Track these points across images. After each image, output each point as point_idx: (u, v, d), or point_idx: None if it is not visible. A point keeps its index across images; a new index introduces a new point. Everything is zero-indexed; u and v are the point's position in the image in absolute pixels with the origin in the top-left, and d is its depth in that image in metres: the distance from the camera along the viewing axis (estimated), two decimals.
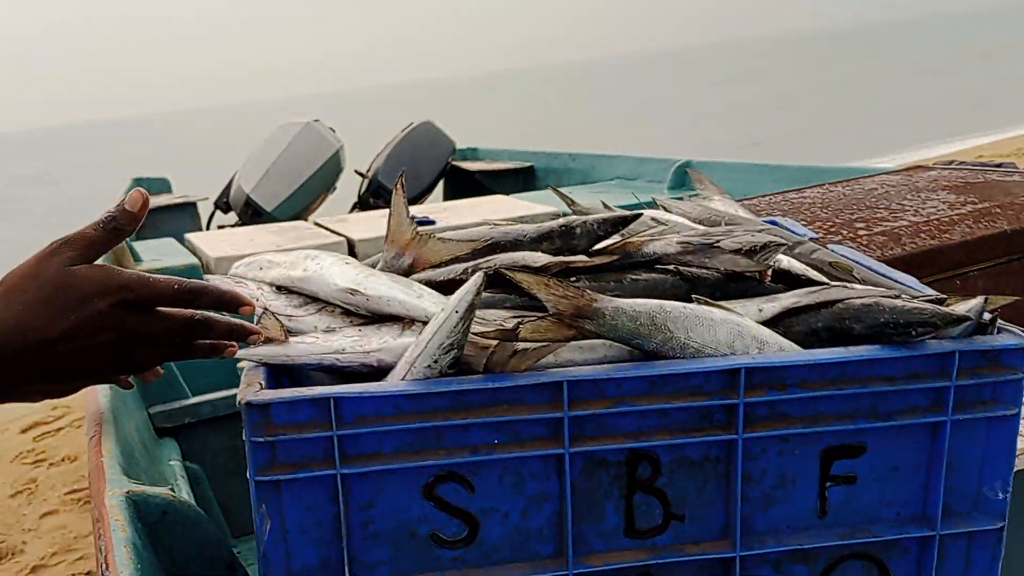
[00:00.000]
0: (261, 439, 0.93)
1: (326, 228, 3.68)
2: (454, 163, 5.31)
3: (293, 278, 1.16)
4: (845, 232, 1.86)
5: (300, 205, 4.82)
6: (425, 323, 1.02)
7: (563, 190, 4.64)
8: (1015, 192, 2.10)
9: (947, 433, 1.00)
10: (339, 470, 0.94)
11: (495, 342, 0.95)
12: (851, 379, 0.98)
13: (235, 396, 2.33)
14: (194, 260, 3.26)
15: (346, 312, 1.12)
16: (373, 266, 1.19)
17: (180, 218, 4.73)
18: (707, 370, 0.96)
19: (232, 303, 0.99)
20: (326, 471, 0.94)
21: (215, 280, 1.12)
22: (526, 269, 0.94)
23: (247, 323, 1.02)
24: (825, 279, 1.11)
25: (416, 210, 4.13)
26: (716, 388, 0.97)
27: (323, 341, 1.01)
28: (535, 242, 1.12)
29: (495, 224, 1.20)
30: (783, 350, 0.99)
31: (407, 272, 1.14)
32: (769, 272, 1.11)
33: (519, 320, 0.92)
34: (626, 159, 4.59)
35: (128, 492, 1.15)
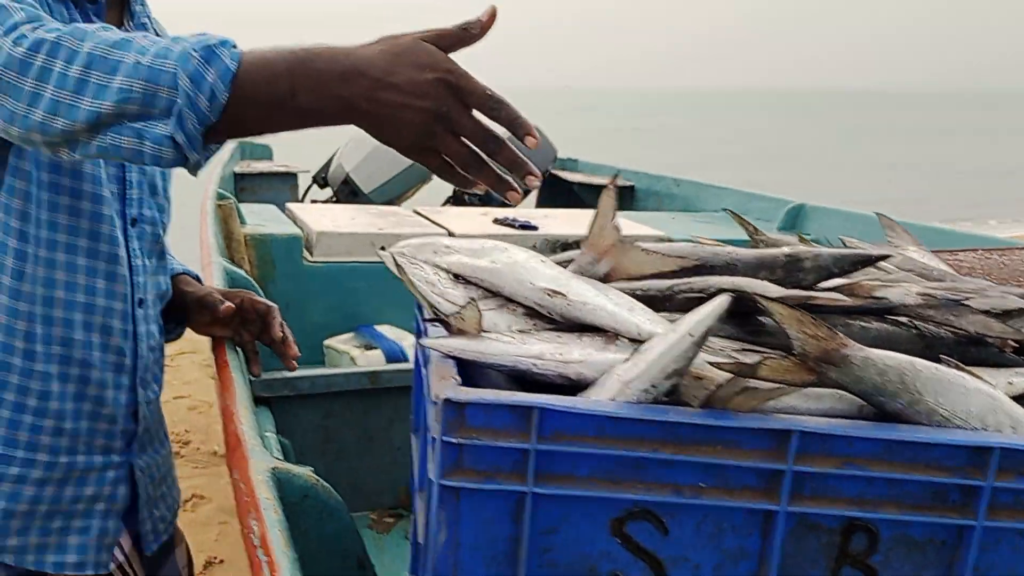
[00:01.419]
0: (454, 440, 0.83)
1: (426, 218, 3.62)
2: (553, 172, 5.22)
3: (477, 268, 1.07)
4: None
5: (396, 191, 4.76)
6: (632, 340, 0.92)
7: (664, 214, 4.53)
8: None
9: None
10: (531, 488, 0.85)
11: (719, 374, 0.85)
12: None
13: (333, 375, 2.26)
14: (296, 230, 3.21)
15: (530, 313, 1.03)
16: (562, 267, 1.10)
17: (280, 187, 4.72)
18: (955, 444, 0.84)
19: (521, 128, 0.94)
20: (515, 486, 0.85)
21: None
22: (766, 299, 0.84)
23: (527, 163, 0.97)
24: None
25: (516, 213, 4.05)
26: (960, 465, 0.85)
27: (520, 343, 0.92)
28: (752, 269, 1.02)
29: (700, 242, 1.09)
30: None
31: (602, 280, 1.04)
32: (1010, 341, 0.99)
33: (765, 356, 0.81)
34: (734, 192, 4.45)
35: (274, 469, 1.07)
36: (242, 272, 2.33)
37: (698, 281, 0.99)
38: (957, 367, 0.89)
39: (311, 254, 3.19)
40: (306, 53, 0.90)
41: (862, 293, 0.99)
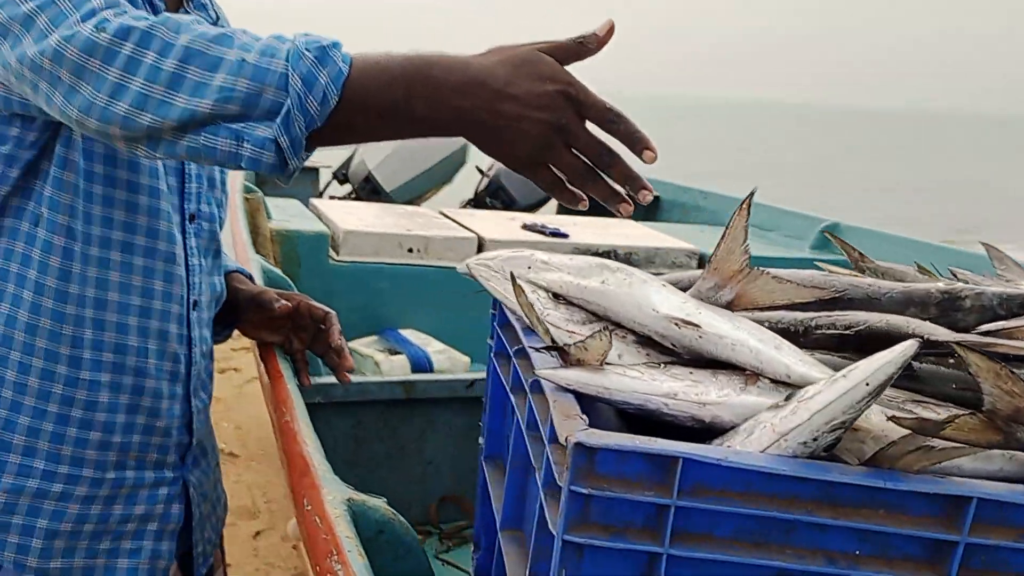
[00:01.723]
0: (583, 490, 0.72)
1: (453, 220, 3.51)
2: None
3: (584, 288, 0.96)
4: None
5: (417, 191, 4.66)
6: (776, 381, 0.81)
7: (691, 227, 4.42)
8: None
9: None
10: (666, 549, 0.74)
11: (890, 428, 0.74)
12: None
13: (367, 383, 2.15)
14: (323, 228, 3.10)
15: (641, 342, 0.93)
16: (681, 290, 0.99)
17: (302, 181, 4.60)
18: None
19: (639, 143, 0.88)
20: (648, 546, 0.74)
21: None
22: (962, 346, 0.73)
23: (640, 177, 0.91)
24: None
25: (538, 218, 3.94)
26: None
27: (649, 378, 0.81)
28: (899, 304, 0.91)
29: (830, 271, 0.99)
30: None
31: (725, 308, 0.93)
32: None
33: (954, 415, 0.71)
34: (764, 208, 4.33)
35: (349, 500, 0.96)
36: (279, 271, 2.22)
37: (841, 317, 0.89)
38: None
39: (337, 253, 3.08)
40: (422, 60, 0.87)
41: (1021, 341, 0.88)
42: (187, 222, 1.14)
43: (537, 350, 0.91)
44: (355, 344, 2.98)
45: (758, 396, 0.80)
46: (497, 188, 4.79)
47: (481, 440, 1.24)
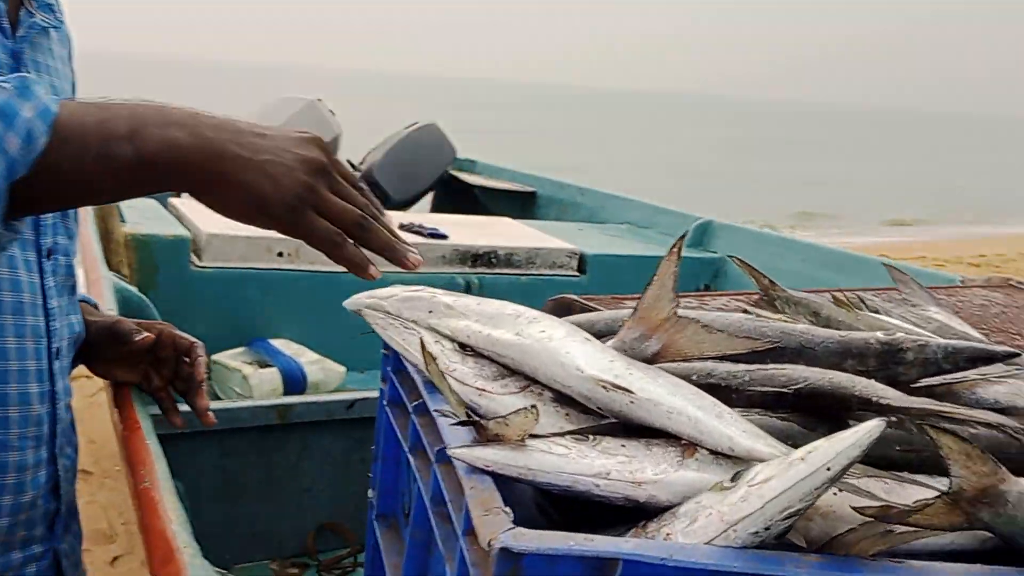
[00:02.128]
0: None
1: None
2: (451, 172, 4.99)
3: (497, 341, 0.85)
4: None
5: None
6: (715, 452, 0.72)
7: (568, 225, 4.38)
8: None
9: None
10: None
11: (845, 511, 0.67)
12: None
13: (236, 409, 1.98)
14: (183, 231, 2.88)
15: (561, 400, 0.82)
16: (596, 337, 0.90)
17: None
18: None
19: (396, 254, 0.87)
20: None
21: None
22: (935, 428, 0.65)
23: (398, 248, 0.88)
24: None
25: (415, 218, 3.81)
26: None
27: (577, 455, 0.71)
28: (836, 356, 0.84)
29: (759, 315, 0.91)
30: None
31: (650, 361, 0.84)
32: None
33: (922, 502, 0.63)
34: (641, 205, 4.34)
35: None
36: (135, 291, 2.01)
37: (779, 372, 0.81)
38: None
39: (200, 259, 2.86)
40: (153, 104, 0.78)
41: (961, 390, 0.83)
42: (44, 259, 0.97)
43: (443, 414, 0.80)
44: (222, 357, 2.77)
45: (698, 471, 0.71)
46: (371, 184, 4.61)
47: (371, 494, 1.11)
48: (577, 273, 3.54)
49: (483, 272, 3.35)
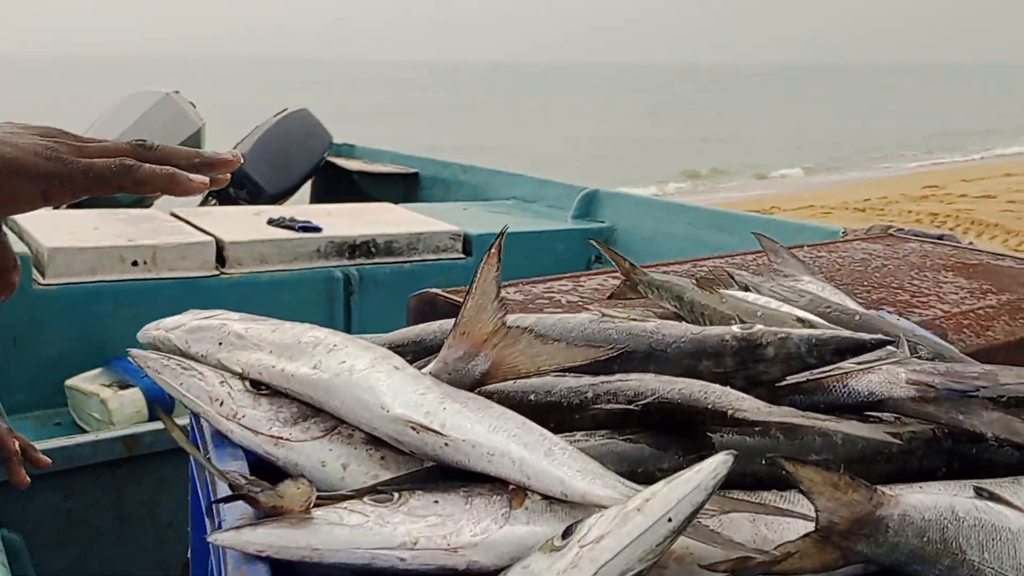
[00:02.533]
0: None
1: (187, 222, 3.10)
2: (328, 159, 4.77)
3: (292, 377, 0.70)
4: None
5: None
6: (548, 497, 0.60)
7: (453, 205, 4.25)
8: None
9: None
10: None
11: (690, 545, 0.55)
12: None
13: (76, 446, 1.78)
14: (21, 247, 2.61)
15: (373, 441, 0.69)
16: (415, 355, 0.76)
17: None
18: None
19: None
20: None
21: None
22: (792, 461, 0.54)
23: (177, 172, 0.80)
24: None
25: (290, 211, 3.60)
26: None
27: (376, 523, 0.57)
28: (690, 357, 0.72)
29: (606, 315, 0.79)
30: None
31: (479, 381, 0.71)
32: None
33: (787, 549, 0.52)
34: (525, 179, 4.22)
35: None
36: None
37: (624, 384, 0.69)
38: (990, 496, 0.65)
39: (43, 275, 2.60)
40: None
41: (832, 384, 0.72)
42: None
43: (224, 476, 0.65)
44: (76, 381, 2.54)
45: (528, 525, 0.58)
46: (241, 177, 4.35)
47: (189, 555, 0.96)
48: (463, 255, 3.40)
49: (362, 263, 3.18)
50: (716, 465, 0.50)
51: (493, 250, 0.69)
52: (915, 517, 0.58)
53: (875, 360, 0.73)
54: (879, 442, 0.70)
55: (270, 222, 3.19)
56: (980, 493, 0.64)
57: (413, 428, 0.62)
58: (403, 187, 4.67)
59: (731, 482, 0.65)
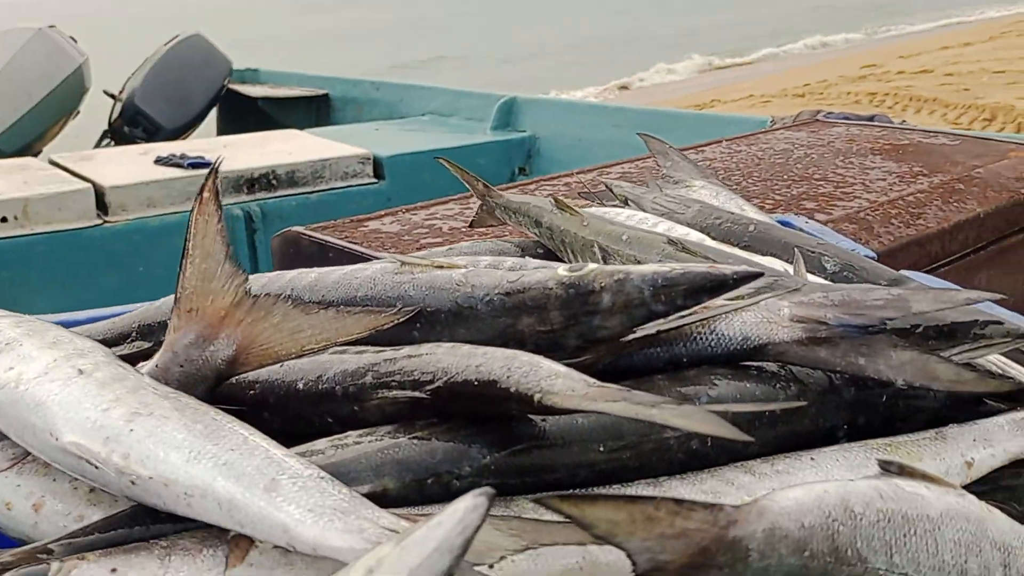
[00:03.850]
0: None
1: (65, 168, 2.83)
2: (230, 86, 4.45)
3: None
4: (798, 215, 1.41)
5: (31, 134, 3.80)
6: (284, 549, 0.42)
7: (365, 125, 4.00)
8: (960, 160, 1.75)
9: None
10: None
11: None
12: None
13: None
14: None
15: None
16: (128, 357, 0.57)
17: None
18: None
19: None
20: None
21: None
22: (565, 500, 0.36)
23: None
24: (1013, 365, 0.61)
25: (186, 146, 3.32)
26: None
27: None
28: (508, 315, 0.54)
29: (406, 263, 0.60)
30: None
31: (224, 372, 0.53)
32: None
33: None
34: (441, 92, 3.96)
35: None
36: None
37: (410, 363, 0.51)
38: (900, 469, 0.48)
39: None
40: None
41: (697, 332, 0.55)
42: None
43: None
44: None
45: None
46: (135, 114, 4.04)
47: None
48: (374, 180, 3.18)
49: (264, 198, 2.95)
50: (463, 514, 0.32)
51: (206, 194, 0.49)
52: (789, 527, 0.41)
53: (753, 294, 0.56)
54: (757, 401, 0.53)
55: (158, 161, 2.92)
56: (887, 468, 0.48)
57: (90, 463, 0.44)
58: (314, 110, 4.39)
59: (549, 480, 0.49)
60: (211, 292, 0.51)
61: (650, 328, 0.53)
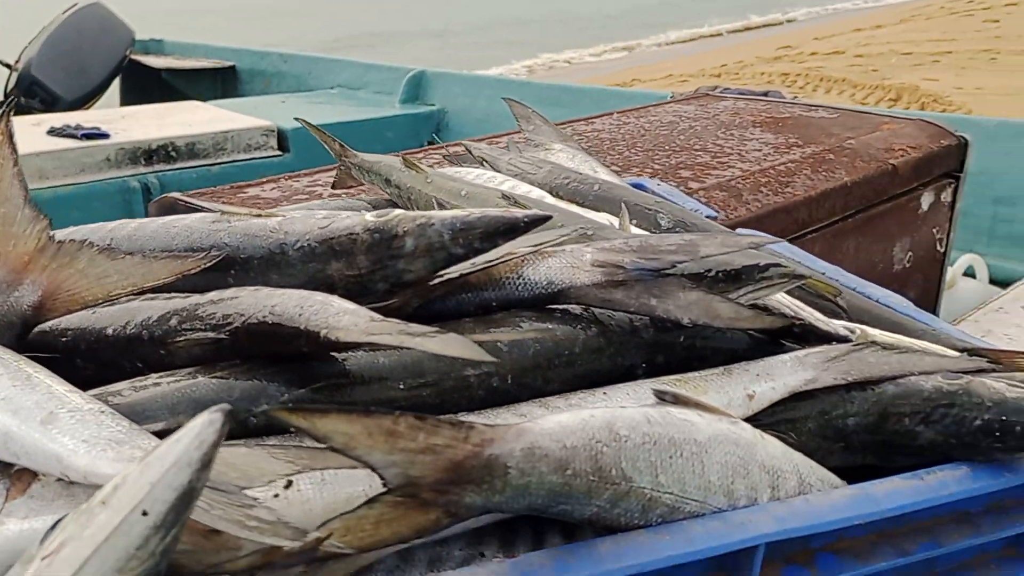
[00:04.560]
0: None
1: None
2: (133, 57, 4.32)
3: None
4: (674, 184, 1.45)
5: None
6: (67, 483, 0.43)
7: (271, 98, 3.94)
8: (835, 132, 1.81)
9: None
10: None
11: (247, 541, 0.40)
12: (912, 529, 0.55)
13: None
14: None
15: None
16: None
17: None
18: (695, 558, 0.47)
19: None
20: None
21: None
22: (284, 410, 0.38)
23: None
24: (816, 315, 0.65)
25: (82, 117, 3.23)
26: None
27: None
28: (319, 259, 0.56)
29: (225, 212, 0.61)
30: (803, 481, 0.53)
31: (31, 319, 0.53)
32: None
33: (325, 534, 0.37)
34: (350, 64, 3.92)
35: None
36: None
37: (214, 307, 0.52)
38: (674, 399, 0.51)
39: None
40: None
41: (504, 275, 0.57)
42: None
43: None
44: None
45: (24, 521, 0.42)
46: (31, 84, 3.90)
47: None
48: (279, 152, 3.14)
49: (162, 170, 2.88)
50: (199, 430, 0.34)
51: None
52: (551, 447, 0.44)
53: (558, 240, 0.58)
54: (558, 342, 0.56)
55: (51, 132, 2.84)
56: (661, 397, 0.51)
57: None
58: (220, 82, 4.30)
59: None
60: (12, 237, 0.51)
61: (454, 272, 0.55)
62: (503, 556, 0.48)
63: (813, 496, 0.51)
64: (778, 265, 0.57)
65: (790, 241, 1.50)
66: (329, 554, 0.38)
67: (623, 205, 0.73)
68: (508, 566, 0.44)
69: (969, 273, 2.35)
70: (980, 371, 0.57)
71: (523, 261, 0.57)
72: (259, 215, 0.59)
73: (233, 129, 3.05)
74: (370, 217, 0.55)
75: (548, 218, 0.53)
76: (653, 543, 0.46)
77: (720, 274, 0.57)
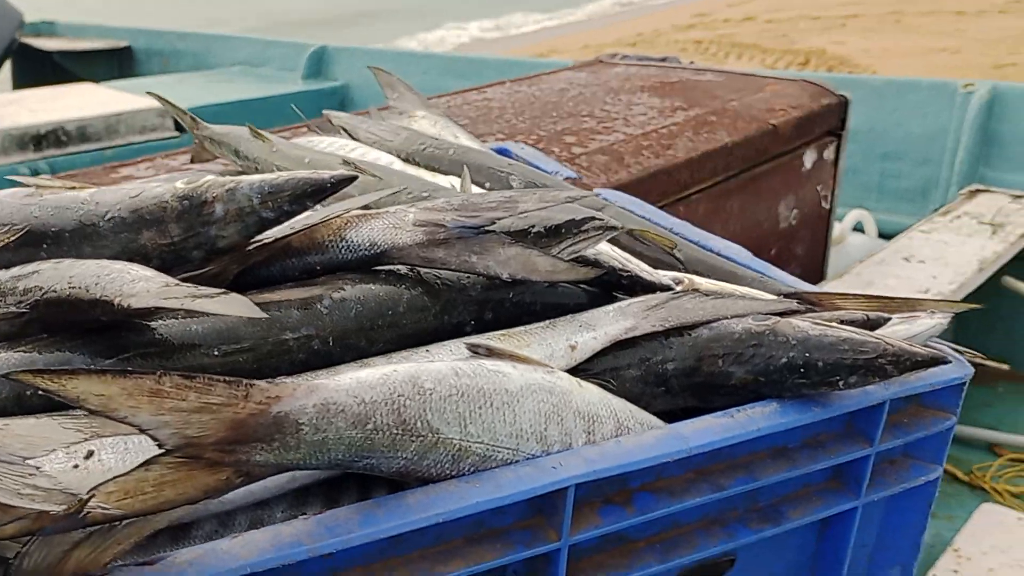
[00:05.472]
0: None
1: None
2: (23, 40, 4.15)
3: None
4: (558, 150, 1.47)
5: None
6: None
7: (169, 78, 3.84)
8: (719, 94, 1.85)
9: (854, 521, 0.63)
10: None
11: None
12: (729, 466, 0.57)
13: None
14: None
15: None
16: None
17: None
18: (504, 503, 0.48)
19: None
20: None
21: None
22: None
23: None
24: (643, 267, 0.67)
25: None
26: (520, 522, 0.51)
27: None
28: (130, 229, 0.55)
29: (39, 187, 0.59)
30: (621, 425, 0.54)
31: None
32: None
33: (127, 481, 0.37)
34: (249, 41, 3.84)
35: None
36: None
37: (17, 282, 0.51)
38: (488, 351, 0.53)
39: None
40: None
41: (327, 238, 0.57)
42: None
43: None
44: None
45: None
46: None
47: None
48: (175, 133, 3.06)
49: (53, 155, 2.79)
50: None
51: None
52: (347, 403, 0.44)
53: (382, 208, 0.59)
54: (381, 303, 0.56)
55: None
56: (475, 351, 0.52)
57: None
58: (116, 64, 4.17)
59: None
60: None
61: (270, 236, 0.55)
62: None
63: (625, 438, 0.53)
64: (594, 218, 0.58)
65: (673, 203, 1.54)
66: (111, 517, 0.38)
67: (464, 167, 0.74)
68: (313, 523, 0.44)
69: (859, 228, 2.43)
70: (793, 312, 0.60)
71: (346, 223, 0.58)
72: (72, 188, 0.58)
73: (127, 111, 2.97)
74: (180, 185, 0.54)
75: (355, 178, 0.53)
76: (462, 491, 0.47)
77: (542, 230, 0.58)
